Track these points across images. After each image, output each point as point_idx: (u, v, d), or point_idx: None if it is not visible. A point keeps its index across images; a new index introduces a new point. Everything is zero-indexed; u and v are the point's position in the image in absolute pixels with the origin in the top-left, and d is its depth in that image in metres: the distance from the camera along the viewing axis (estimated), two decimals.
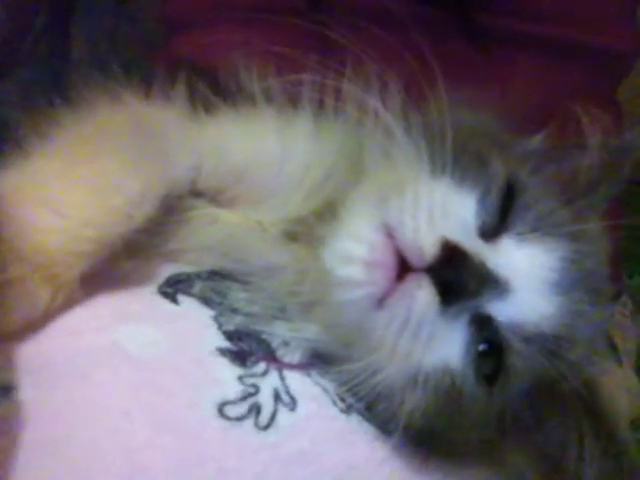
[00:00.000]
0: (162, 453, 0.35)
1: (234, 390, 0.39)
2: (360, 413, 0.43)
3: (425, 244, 0.40)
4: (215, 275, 0.49)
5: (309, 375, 0.44)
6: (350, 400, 0.43)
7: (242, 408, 0.38)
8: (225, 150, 0.52)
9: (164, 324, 0.42)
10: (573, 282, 0.44)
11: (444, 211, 0.42)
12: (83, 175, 0.43)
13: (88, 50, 0.81)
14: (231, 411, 0.38)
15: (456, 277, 0.40)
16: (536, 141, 0.54)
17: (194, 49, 0.80)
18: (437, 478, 0.44)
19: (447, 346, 0.41)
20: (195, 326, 0.43)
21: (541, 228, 0.44)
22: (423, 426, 0.42)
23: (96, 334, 0.39)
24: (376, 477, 0.41)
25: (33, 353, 0.37)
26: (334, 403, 0.43)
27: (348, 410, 0.43)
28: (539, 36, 0.74)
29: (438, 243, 0.40)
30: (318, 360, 0.45)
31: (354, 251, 0.42)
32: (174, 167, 0.49)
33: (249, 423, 0.38)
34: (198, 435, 0.37)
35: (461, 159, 0.45)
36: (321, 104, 0.56)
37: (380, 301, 0.41)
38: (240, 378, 0.40)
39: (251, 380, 0.40)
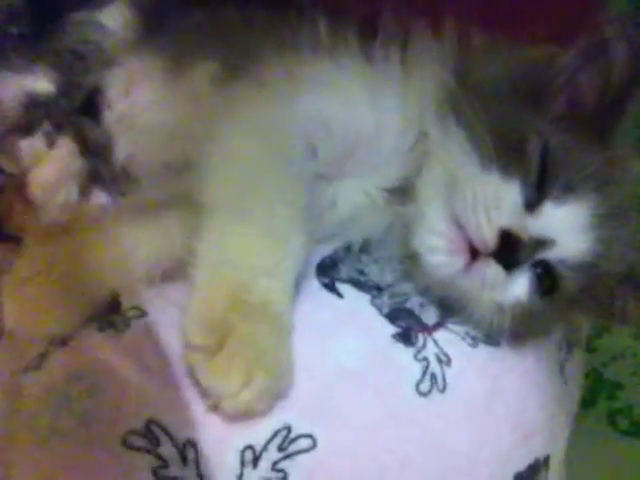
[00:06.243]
0: (412, 443, 0.52)
1: (417, 369, 0.55)
2: (482, 340, 0.61)
3: (487, 236, 0.56)
4: (348, 253, 0.62)
5: (447, 328, 0.61)
6: (473, 333, 0.61)
7: (427, 382, 0.56)
8: (329, 126, 0.60)
9: (351, 326, 0.56)
10: (603, 219, 0.59)
11: (496, 201, 0.56)
12: (263, 233, 0.53)
13: None
14: (423, 388, 0.55)
15: (513, 255, 0.56)
16: (568, 56, 0.62)
17: None
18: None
19: (517, 287, 0.59)
20: (367, 318, 0.58)
21: (573, 187, 0.58)
22: (520, 319, 0.60)
23: (324, 364, 0.52)
24: (514, 387, 0.60)
25: (304, 394, 0.50)
26: (466, 342, 0.61)
27: (474, 343, 0.61)
28: None
29: (495, 234, 0.56)
30: (447, 312, 0.62)
31: (437, 244, 0.58)
32: (301, 159, 0.58)
33: (435, 392, 0.55)
34: (420, 420, 0.53)
35: (502, 147, 0.57)
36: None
37: (462, 272, 0.57)
38: (415, 356, 0.57)
39: (421, 355, 0.57)
